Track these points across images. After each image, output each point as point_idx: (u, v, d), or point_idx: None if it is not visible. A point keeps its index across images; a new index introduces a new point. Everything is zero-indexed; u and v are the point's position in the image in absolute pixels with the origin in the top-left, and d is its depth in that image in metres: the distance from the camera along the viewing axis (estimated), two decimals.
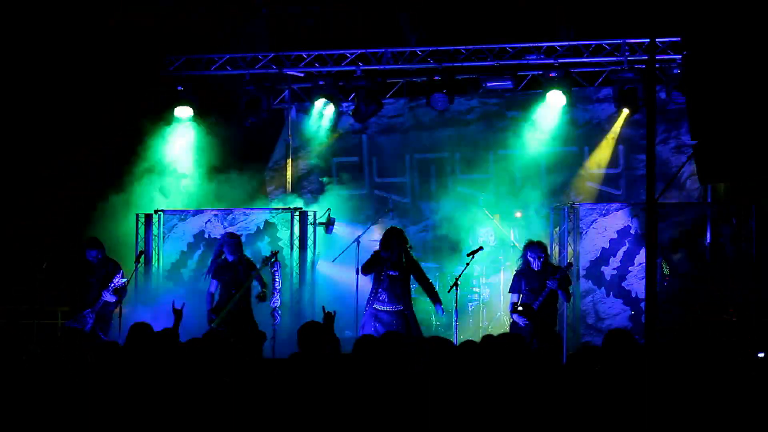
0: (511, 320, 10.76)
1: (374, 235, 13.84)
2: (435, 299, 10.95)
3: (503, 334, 6.88)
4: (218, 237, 13.46)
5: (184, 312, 8.35)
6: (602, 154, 15.09)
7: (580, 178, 15.14)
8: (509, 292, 10.97)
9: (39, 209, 14.47)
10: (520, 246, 12.75)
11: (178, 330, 8.20)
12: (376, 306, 10.74)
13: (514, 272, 11.08)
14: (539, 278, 10.68)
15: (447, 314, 13.18)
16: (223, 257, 11.40)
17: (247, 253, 13.13)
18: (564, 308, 12.26)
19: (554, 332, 10.81)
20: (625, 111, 14.24)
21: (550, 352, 9.49)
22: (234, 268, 11.30)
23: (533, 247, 10.83)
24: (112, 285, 11.18)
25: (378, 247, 10.95)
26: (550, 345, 10.22)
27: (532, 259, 10.75)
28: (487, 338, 6.94)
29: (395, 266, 10.72)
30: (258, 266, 11.41)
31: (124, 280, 11.34)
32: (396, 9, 15.37)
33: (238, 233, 12.10)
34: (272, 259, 11.58)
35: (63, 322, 11.55)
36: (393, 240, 10.76)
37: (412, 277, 10.91)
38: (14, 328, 13.05)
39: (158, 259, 13.65)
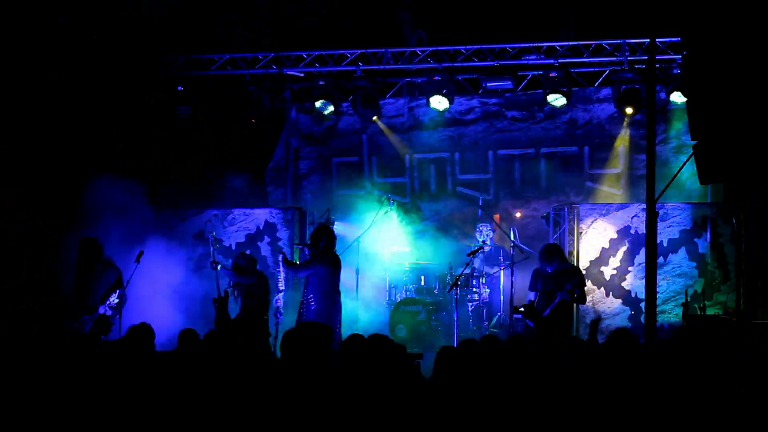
0: (513, 320, 10.74)
1: (374, 235, 13.86)
2: None
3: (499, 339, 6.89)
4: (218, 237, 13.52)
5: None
6: (602, 154, 15.10)
7: (580, 178, 15.14)
8: (528, 290, 10.98)
9: (38, 209, 14.44)
10: (520, 246, 12.78)
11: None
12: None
13: (534, 270, 11.09)
14: (555, 280, 10.65)
15: (447, 314, 13.19)
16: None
17: (247, 252, 13.18)
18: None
19: (568, 336, 10.74)
20: (629, 111, 14.17)
21: (552, 353, 9.44)
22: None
23: (541, 255, 10.86)
24: (109, 301, 11.02)
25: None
26: (557, 346, 10.14)
27: (543, 266, 10.78)
28: (488, 338, 6.95)
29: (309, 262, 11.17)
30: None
31: (118, 292, 11.11)
32: (396, 8, 15.37)
33: (238, 233, 12.09)
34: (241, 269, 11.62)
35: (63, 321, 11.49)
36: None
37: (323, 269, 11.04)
38: (14, 329, 13.04)
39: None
